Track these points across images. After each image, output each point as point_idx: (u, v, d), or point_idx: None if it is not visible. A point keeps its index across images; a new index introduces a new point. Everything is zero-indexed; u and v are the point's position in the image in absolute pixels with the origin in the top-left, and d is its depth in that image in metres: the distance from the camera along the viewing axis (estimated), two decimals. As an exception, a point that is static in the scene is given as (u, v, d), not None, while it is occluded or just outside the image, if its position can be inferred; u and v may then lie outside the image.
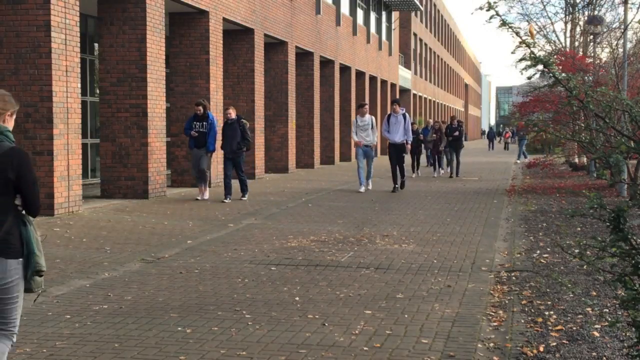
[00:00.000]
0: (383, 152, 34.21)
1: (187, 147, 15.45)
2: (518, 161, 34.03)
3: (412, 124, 24.85)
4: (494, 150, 53.65)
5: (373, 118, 17.19)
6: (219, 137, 15.00)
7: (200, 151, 14.70)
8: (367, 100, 35.22)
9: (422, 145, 25.48)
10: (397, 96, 45.40)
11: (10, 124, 3.92)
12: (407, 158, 21.26)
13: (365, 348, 5.16)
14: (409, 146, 17.40)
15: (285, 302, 6.47)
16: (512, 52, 4.66)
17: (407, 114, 17.46)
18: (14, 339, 4.03)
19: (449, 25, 76.42)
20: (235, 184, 15.02)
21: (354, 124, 17.08)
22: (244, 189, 14.94)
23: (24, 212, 3.87)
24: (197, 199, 14.64)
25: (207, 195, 14.81)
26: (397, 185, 17.12)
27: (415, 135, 23.07)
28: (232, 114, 14.61)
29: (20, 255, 3.83)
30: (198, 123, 14.68)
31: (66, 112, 12.12)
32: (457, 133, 23.52)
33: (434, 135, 24.69)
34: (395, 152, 17.22)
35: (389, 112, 43.28)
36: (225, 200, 14.39)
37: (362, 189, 16.84)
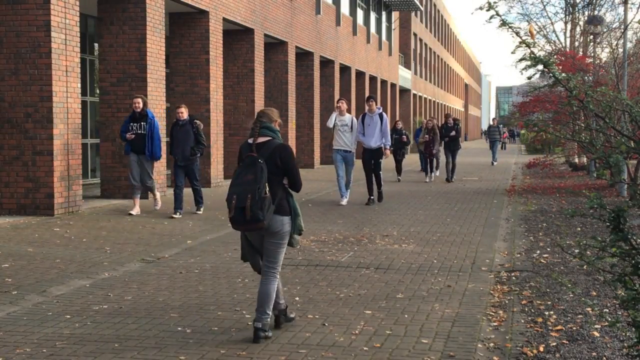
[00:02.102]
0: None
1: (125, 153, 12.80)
2: (495, 163, 30.61)
3: (397, 121, 22.67)
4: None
5: (354, 119, 14.49)
6: (176, 140, 12.45)
7: (139, 157, 12.34)
8: (367, 100, 35.13)
9: (406, 147, 22.85)
10: (397, 96, 45.36)
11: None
12: (391, 162, 20.32)
13: (365, 348, 5.16)
14: (388, 152, 14.79)
15: (285, 302, 6.47)
16: (512, 52, 4.66)
17: (384, 114, 14.71)
18: (278, 276, 5.53)
19: (449, 25, 76.41)
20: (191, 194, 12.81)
21: (331, 120, 14.33)
22: (198, 200, 12.66)
23: (289, 188, 5.53)
24: (130, 213, 12.27)
25: (137, 210, 12.38)
26: (372, 197, 14.54)
27: (397, 136, 21.10)
28: (184, 113, 12.38)
29: (289, 214, 5.45)
30: (135, 124, 12.31)
31: (66, 112, 12.12)
32: (453, 133, 21.47)
33: (426, 136, 21.72)
34: (369, 158, 14.55)
35: (388, 113, 42.39)
36: (174, 216, 12.07)
37: (344, 202, 14.47)
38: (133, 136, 12.25)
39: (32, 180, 11.91)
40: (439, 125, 23.06)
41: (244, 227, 5.33)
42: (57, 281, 7.27)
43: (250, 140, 5.48)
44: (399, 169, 21.54)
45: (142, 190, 12.79)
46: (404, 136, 21.88)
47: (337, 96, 29.50)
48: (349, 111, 14.95)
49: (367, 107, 14.68)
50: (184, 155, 12.23)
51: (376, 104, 14.60)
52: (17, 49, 11.81)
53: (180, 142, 12.25)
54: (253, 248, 5.60)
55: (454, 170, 21.19)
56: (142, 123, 12.30)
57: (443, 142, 21.67)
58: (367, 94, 35.47)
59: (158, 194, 12.89)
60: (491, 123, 33.99)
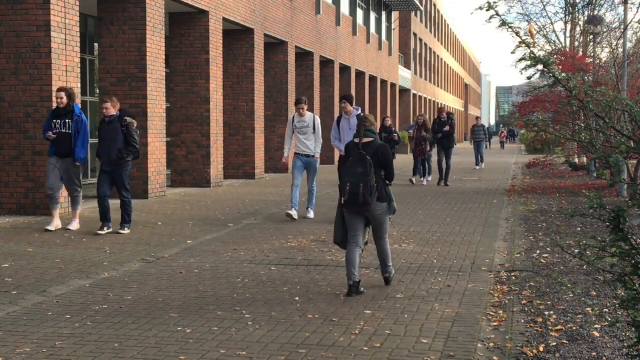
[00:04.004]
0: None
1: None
2: (477, 167, 27.84)
3: (385, 118, 20.45)
4: (490, 149, 53.56)
5: (317, 118, 12.28)
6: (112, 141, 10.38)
7: (64, 162, 10.45)
8: (367, 101, 35.14)
9: (396, 147, 20.57)
10: (397, 96, 45.35)
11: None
12: None
13: (365, 348, 5.16)
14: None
15: (285, 302, 6.47)
16: (512, 52, 4.66)
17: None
18: (387, 239, 7.22)
19: (449, 25, 76.42)
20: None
21: (289, 125, 12.29)
22: (125, 217, 10.50)
23: (385, 179, 6.97)
24: (47, 229, 10.41)
25: (76, 225, 10.62)
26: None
27: (387, 134, 18.62)
28: (111, 109, 10.28)
29: (386, 200, 6.92)
30: (59, 121, 10.37)
31: (66, 112, 12.10)
32: (447, 128, 19.65)
33: (410, 131, 20.08)
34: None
35: (388, 113, 42.19)
36: (100, 232, 10.24)
37: (293, 213, 11.92)
38: (54, 136, 10.39)
39: (32, 180, 11.91)
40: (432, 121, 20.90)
41: (357, 208, 6.78)
42: (57, 281, 7.27)
43: (356, 140, 6.93)
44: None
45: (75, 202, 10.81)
46: (395, 134, 19.22)
47: (337, 96, 29.37)
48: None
49: (342, 109, 12.29)
50: (110, 159, 10.26)
51: (352, 105, 12.21)
52: (17, 49, 11.81)
53: (106, 142, 10.28)
54: (344, 227, 6.98)
55: (449, 173, 19.61)
56: (67, 120, 10.36)
57: (436, 138, 19.86)
58: (367, 94, 35.46)
59: (79, 211, 10.86)
60: (475, 122, 31.16)
